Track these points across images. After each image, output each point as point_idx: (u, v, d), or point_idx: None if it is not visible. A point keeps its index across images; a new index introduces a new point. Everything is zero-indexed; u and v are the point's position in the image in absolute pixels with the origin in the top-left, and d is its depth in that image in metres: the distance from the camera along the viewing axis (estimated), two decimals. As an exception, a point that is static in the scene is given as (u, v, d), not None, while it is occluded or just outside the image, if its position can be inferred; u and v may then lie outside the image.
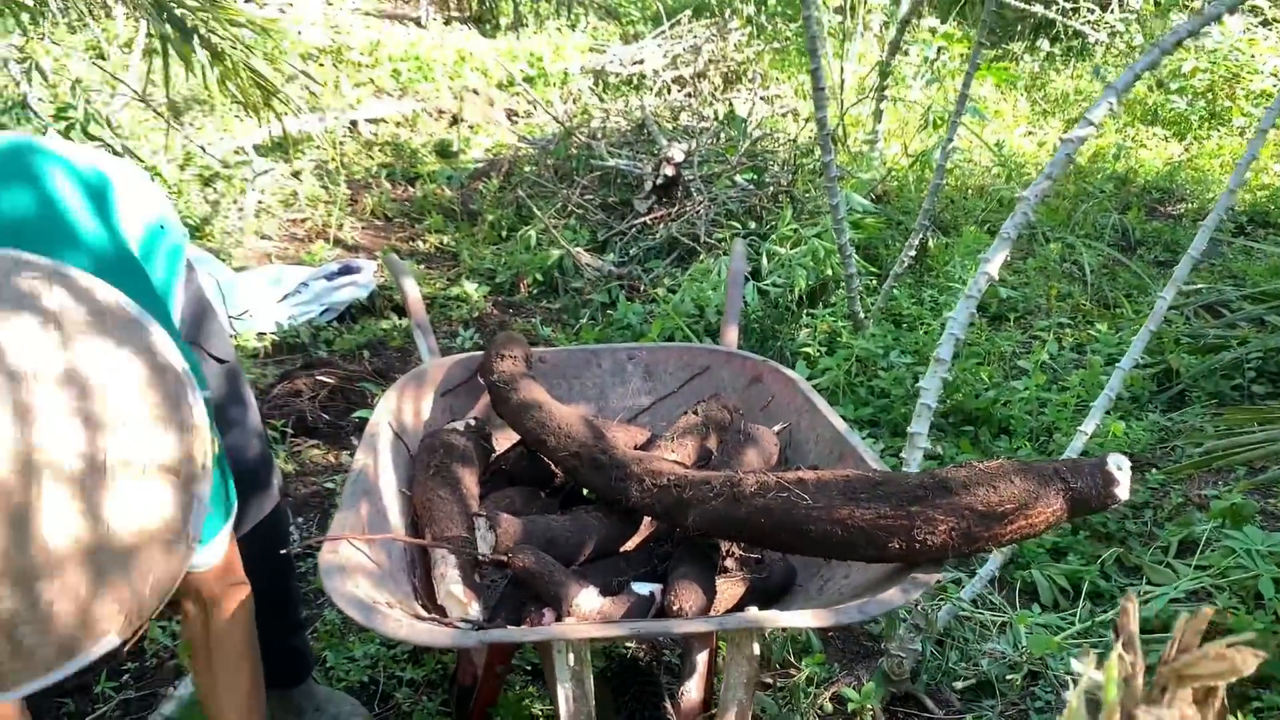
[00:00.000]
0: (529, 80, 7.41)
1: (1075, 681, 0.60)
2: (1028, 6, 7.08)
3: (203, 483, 1.06)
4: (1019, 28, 8.59)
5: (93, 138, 4.39)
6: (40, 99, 4.68)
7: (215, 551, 1.50)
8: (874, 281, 4.26)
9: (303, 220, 5.21)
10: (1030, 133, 6.70)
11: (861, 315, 3.81)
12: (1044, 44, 8.27)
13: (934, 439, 3.28)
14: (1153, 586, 2.56)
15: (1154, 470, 3.09)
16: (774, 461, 2.01)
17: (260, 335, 3.90)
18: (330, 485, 2.99)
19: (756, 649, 1.43)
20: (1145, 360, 3.70)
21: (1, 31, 4.14)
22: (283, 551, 1.91)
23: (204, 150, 5.15)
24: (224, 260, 4.44)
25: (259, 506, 1.88)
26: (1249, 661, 0.56)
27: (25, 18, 3.92)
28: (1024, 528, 1.42)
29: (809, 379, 3.49)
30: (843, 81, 5.95)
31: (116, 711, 2.18)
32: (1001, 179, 5.55)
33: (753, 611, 1.43)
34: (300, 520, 2.83)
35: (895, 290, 4.00)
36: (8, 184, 1.34)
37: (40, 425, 0.95)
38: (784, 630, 2.39)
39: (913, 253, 3.91)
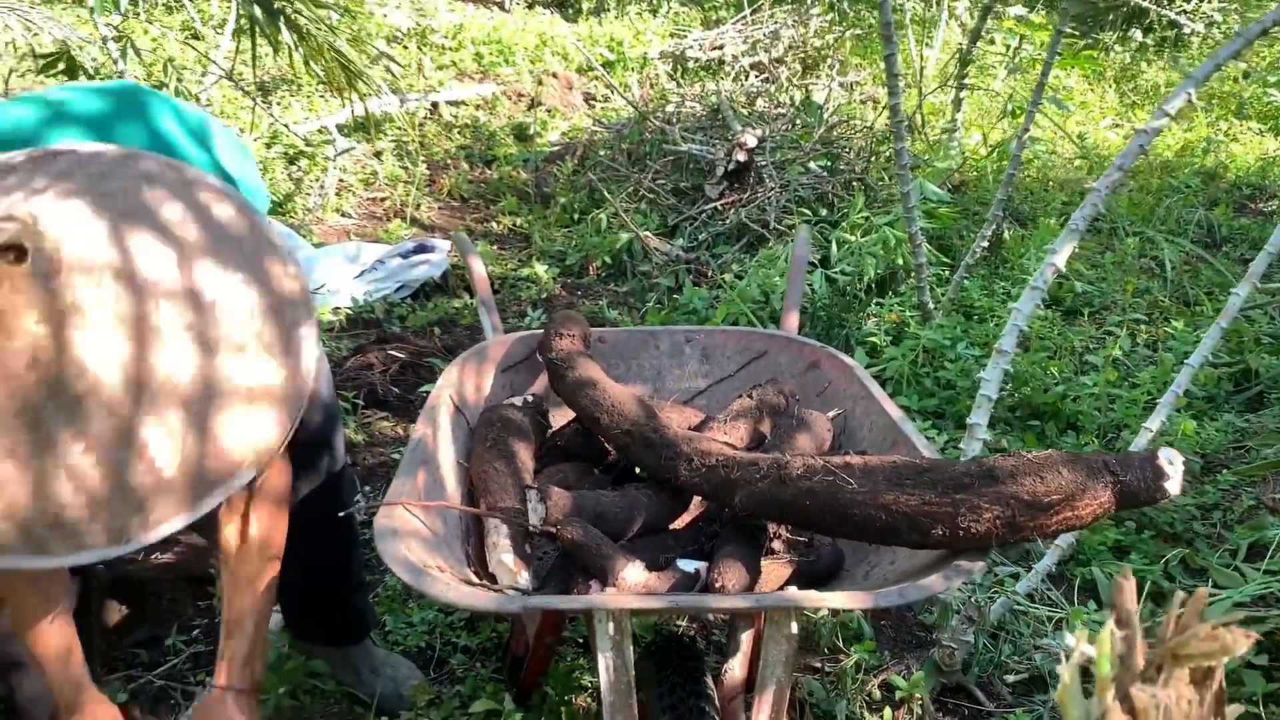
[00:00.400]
0: (608, 65, 7.44)
1: (1068, 657, 0.61)
2: (1120, -6, 6.90)
3: (301, 408, 1.11)
4: (1111, 17, 8.37)
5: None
6: (135, 77, 4.85)
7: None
8: (946, 272, 4.21)
9: (382, 199, 5.33)
10: (1117, 125, 6.53)
11: (931, 305, 3.77)
12: (1136, 34, 8.05)
13: (1000, 432, 3.25)
14: (1218, 589, 2.51)
15: (1225, 471, 3.02)
16: (826, 447, 2.02)
17: (336, 310, 4.01)
18: (397, 456, 3.07)
19: (795, 628, 1.45)
20: (1223, 359, 3.60)
21: (101, 11, 4.30)
22: (342, 514, 1.98)
23: (289, 129, 5.30)
24: (304, 236, 4.56)
25: (325, 470, 1.95)
26: (1240, 642, 0.57)
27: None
28: (1070, 519, 1.41)
29: (872, 368, 3.48)
30: (921, 69, 5.86)
31: (187, 664, 2.28)
32: (1083, 171, 5.43)
33: (791, 590, 1.45)
34: (367, 489, 2.92)
35: (966, 281, 3.95)
36: (123, 119, 1.45)
37: (156, 341, 1.00)
38: (833, 615, 2.40)
39: (985, 244, 3.86)
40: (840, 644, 2.38)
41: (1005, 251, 4.45)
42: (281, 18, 3.39)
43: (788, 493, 1.60)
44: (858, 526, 1.55)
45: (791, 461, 1.64)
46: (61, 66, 3.57)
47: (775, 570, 1.76)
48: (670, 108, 6.07)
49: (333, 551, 2.06)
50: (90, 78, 4.09)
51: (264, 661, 1.64)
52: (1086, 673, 0.60)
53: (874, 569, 1.79)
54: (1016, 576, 2.60)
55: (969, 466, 1.48)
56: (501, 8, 8.77)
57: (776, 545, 1.84)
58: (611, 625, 1.40)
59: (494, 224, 5.21)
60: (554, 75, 7.21)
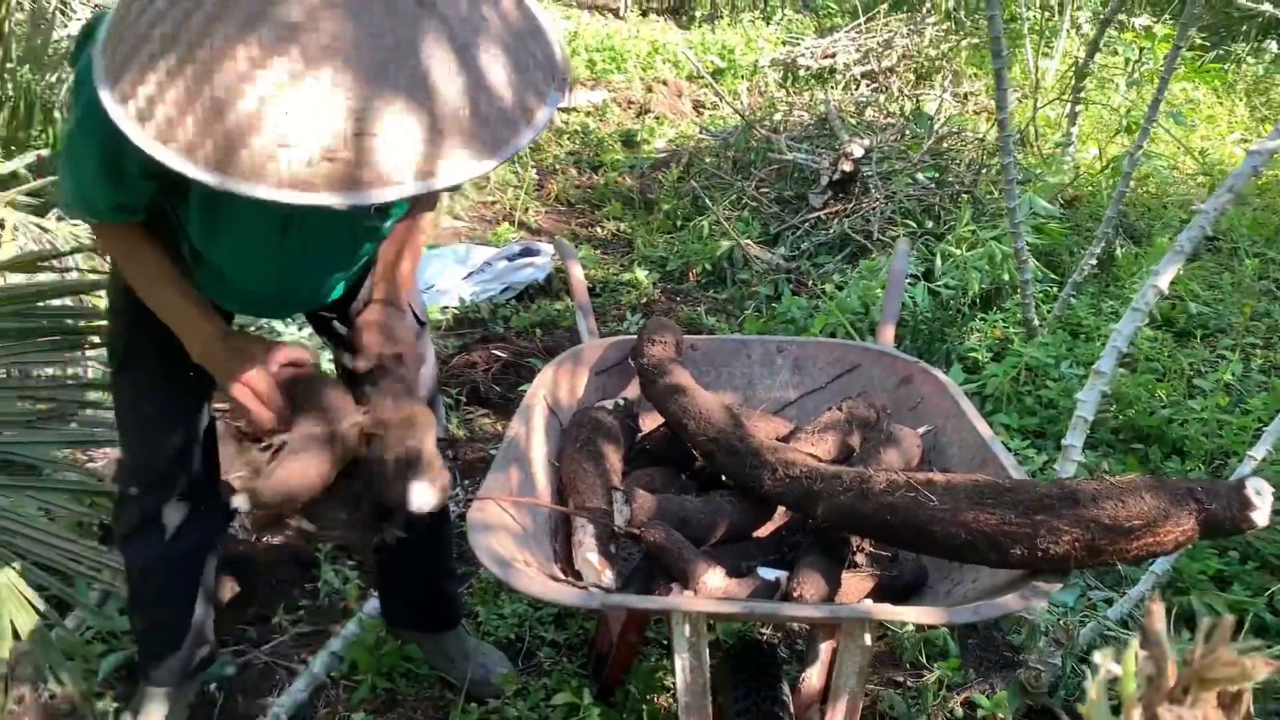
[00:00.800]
0: (719, 73, 7.48)
1: (1094, 673, 0.64)
2: (1255, 5, 6.63)
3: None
4: (1244, 28, 8.05)
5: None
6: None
7: None
8: (1054, 288, 4.14)
9: (492, 203, 5.48)
10: (1245, 140, 6.28)
11: (1035, 322, 3.71)
12: (1272, 45, 7.72)
13: (1101, 455, 3.18)
14: (1325, 626, 2.43)
15: (1341, 505, 2.90)
16: (915, 463, 2.03)
17: (444, 309, 4.15)
18: (494, 452, 3.16)
19: (869, 640, 1.47)
20: (1346, 388, 3.46)
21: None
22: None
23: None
24: (416, 237, 4.73)
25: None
26: (1259, 669, 0.59)
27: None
28: (1151, 545, 1.41)
29: (971, 384, 3.44)
30: (1037, 81, 5.75)
31: (291, 643, 2.41)
32: (1205, 189, 5.25)
33: (866, 603, 1.47)
34: (466, 482, 3.02)
35: (1073, 299, 3.87)
36: None
37: None
38: (917, 629, 2.40)
39: (1094, 261, 3.78)
40: (924, 659, 2.37)
41: (1117, 269, 4.34)
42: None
43: (869, 506, 1.62)
44: (937, 543, 1.56)
45: (874, 476, 1.66)
46: None
47: (856, 583, 1.78)
48: (777, 116, 6.08)
49: (430, 541, 2.15)
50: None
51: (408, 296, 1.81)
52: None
53: (957, 586, 1.79)
54: (1110, 601, 2.56)
55: (1050, 488, 1.48)
56: (616, 15, 8.89)
57: (859, 559, 1.85)
58: (688, 627, 1.45)
59: (598, 229, 5.31)
60: (664, 83, 7.29)
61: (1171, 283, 4.05)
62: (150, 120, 1.12)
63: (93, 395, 2.36)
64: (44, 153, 3.44)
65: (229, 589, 2.45)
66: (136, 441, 1.84)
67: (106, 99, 1.15)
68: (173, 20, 1.12)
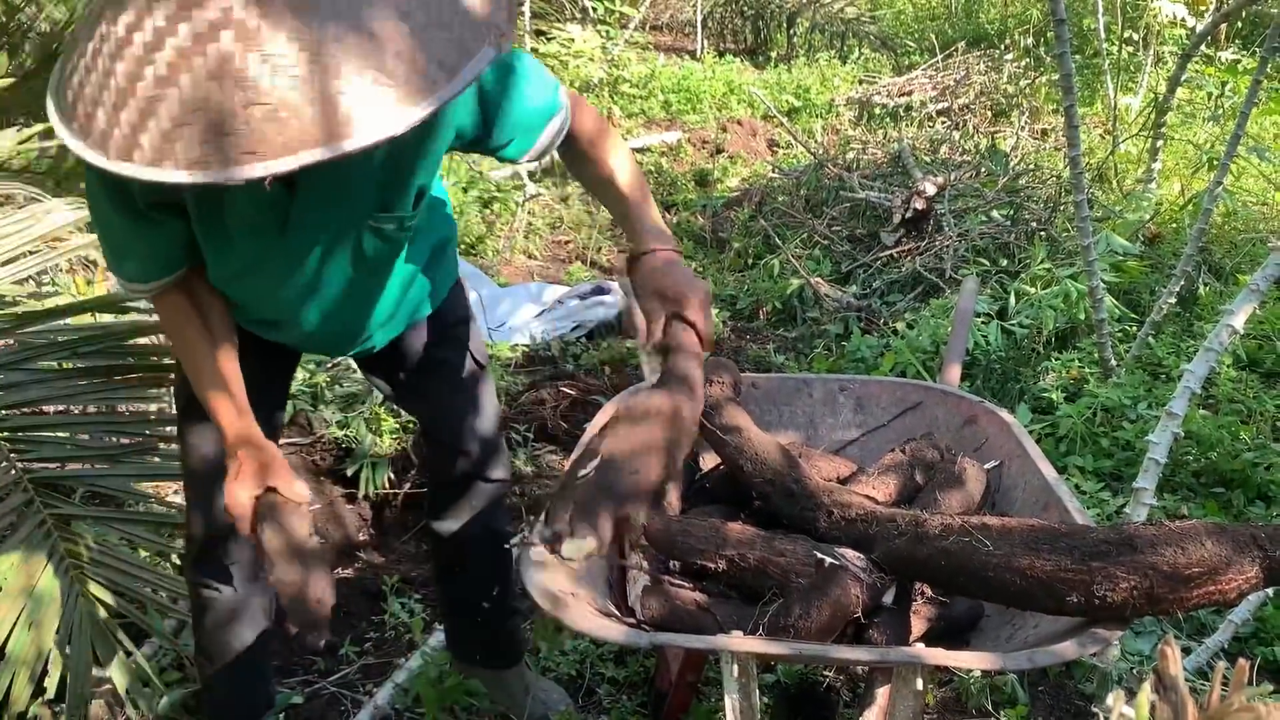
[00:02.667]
0: (793, 112, 7.50)
1: (1107, 717, 0.63)
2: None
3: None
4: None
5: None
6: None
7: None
8: (1133, 327, 4.04)
9: (565, 242, 5.56)
10: (1339, 175, 6.08)
11: (1113, 362, 3.63)
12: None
13: (1181, 498, 3.09)
14: None
15: None
16: (977, 499, 2.00)
17: (514, 346, 4.21)
18: (562, 490, 3.21)
19: (920, 684, 1.46)
20: None
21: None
22: (501, 538, 2.11)
23: (484, 175, 5.61)
24: (492, 276, 4.82)
25: (486, 499, 2.09)
26: (1275, 715, 0.58)
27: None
28: (1213, 593, 1.37)
29: (1042, 425, 3.38)
30: (1115, 117, 5.65)
31: (357, 674, 2.46)
32: (1294, 225, 5.09)
33: (918, 647, 1.46)
34: (532, 518, 3.06)
35: (1152, 338, 3.78)
36: None
37: None
38: (984, 675, 2.35)
39: (1173, 300, 3.68)
40: (989, 706, 2.32)
41: (1200, 308, 4.23)
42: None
43: (923, 551, 1.61)
44: (992, 589, 1.55)
45: (929, 520, 1.65)
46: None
47: (912, 624, 1.76)
48: (851, 154, 6.07)
49: (492, 578, 2.19)
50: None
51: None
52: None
53: (1018, 631, 1.76)
54: (1187, 650, 2.47)
55: (1108, 533, 1.46)
56: (693, 56, 8.98)
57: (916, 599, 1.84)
58: (736, 667, 1.45)
59: (671, 267, 5.34)
60: (739, 122, 7.33)
61: (1259, 321, 3.96)
62: (90, 133, 1.14)
63: (172, 429, 2.46)
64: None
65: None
66: (199, 484, 1.87)
67: (56, 124, 1.18)
68: (87, 40, 1.15)
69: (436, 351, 1.98)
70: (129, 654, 2.18)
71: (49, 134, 3.71)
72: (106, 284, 2.90)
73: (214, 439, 1.75)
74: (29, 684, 2.02)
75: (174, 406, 1.91)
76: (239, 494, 1.59)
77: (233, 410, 1.63)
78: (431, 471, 2.26)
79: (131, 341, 2.43)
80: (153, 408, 2.51)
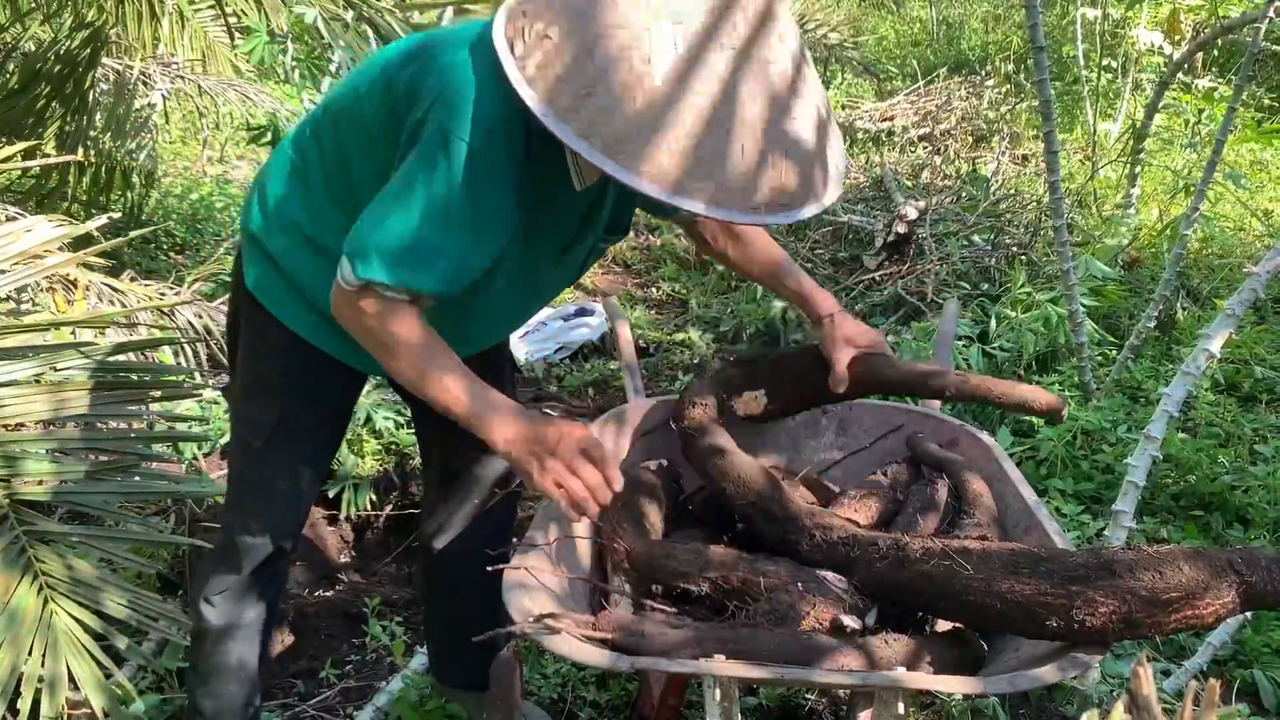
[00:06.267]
0: (776, 134, 7.55)
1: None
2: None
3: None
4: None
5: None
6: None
7: None
8: (1113, 351, 4.08)
9: (549, 262, 5.56)
10: (1315, 201, 6.16)
11: (1093, 386, 3.66)
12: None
13: (1160, 521, 3.12)
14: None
15: None
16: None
17: (498, 367, 4.21)
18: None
19: (902, 708, 1.46)
20: None
21: (304, 88, 4.70)
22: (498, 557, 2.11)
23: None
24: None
25: (481, 517, 2.10)
26: (1245, 739, 0.59)
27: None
28: (1190, 618, 1.38)
29: (1022, 448, 3.40)
30: (1094, 143, 5.72)
31: (338, 697, 2.44)
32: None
33: (899, 670, 1.46)
34: (515, 540, 3.05)
35: (1131, 362, 3.82)
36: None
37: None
38: (965, 697, 2.35)
39: (1152, 324, 3.72)
40: (971, 730, 2.33)
41: (1179, 332, 4.27)
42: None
43: (904, 575, 1.62)
44: (972, 613, 1.55)
45: (910, 543, 1.66)
46: (269, 137, 3.92)
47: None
48: (834, 178, 6.10)
49: (480, 601, 2.17)
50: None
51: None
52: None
53: (1000, 655, 1.77)
54: (1167, 673, 2.49)
55: (1087, 558, 1.47)
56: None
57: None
58: (718, 691, 1.45)
59: (653, 289, 5.37)
60: (722, 145, 7.37)
61: (1237, 346, 4.00)
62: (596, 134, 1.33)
63: (156, 448, 2.45)
64: (116, 215, 3.57)
65: (279, 643, 2.49)
66: (258, 515, 1.87)
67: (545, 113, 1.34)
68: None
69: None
70: (108, 675, 2.16)
71: (31, 154, 3.71)
72: (85, 303, 2.89)
73: (302, 469, 1.82)
74: (1, 704, 2.00)
75: (253, 433, 1.84)
76: (599, 453, 1.56)
77: (511, 403, 1.58)
78: (430, 487, 2.24)
79: (113, 359, 2.42)
80: (135, 425, 2.49)
